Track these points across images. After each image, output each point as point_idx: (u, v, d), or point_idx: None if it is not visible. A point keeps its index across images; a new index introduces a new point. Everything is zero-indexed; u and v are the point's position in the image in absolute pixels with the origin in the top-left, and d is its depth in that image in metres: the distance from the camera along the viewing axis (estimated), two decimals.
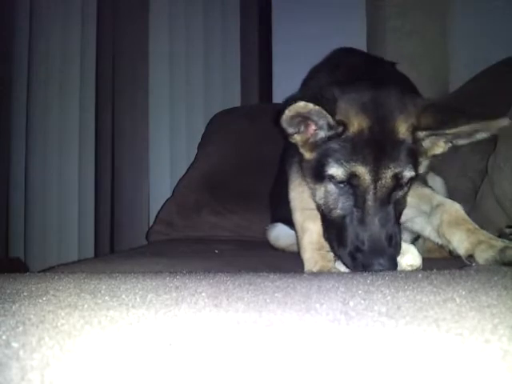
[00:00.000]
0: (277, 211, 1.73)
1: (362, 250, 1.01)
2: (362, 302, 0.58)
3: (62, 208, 2.96)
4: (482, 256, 1.05)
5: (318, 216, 1.19)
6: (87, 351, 0.45)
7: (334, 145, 1.05)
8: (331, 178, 1.06)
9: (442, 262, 1.21)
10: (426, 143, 1.09)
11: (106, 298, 0.61)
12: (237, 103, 2.94)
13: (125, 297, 0.61)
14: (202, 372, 0.42)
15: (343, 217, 1.06)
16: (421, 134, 1.06)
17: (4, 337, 0.48)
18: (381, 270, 0.97)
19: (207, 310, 0.56)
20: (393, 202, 1.05)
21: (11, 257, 2.93)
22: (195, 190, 2.26)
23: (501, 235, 1.14)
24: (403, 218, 1.31)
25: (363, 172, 1.01)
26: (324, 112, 1.02)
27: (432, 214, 1.22)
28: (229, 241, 1.99)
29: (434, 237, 1.23)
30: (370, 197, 1.02)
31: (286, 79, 2.77)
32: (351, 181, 1.03)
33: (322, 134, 1.08)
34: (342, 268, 1.12)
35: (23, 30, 2.99)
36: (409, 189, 1.10)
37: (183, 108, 2.98)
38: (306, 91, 1.14)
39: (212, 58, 2.98)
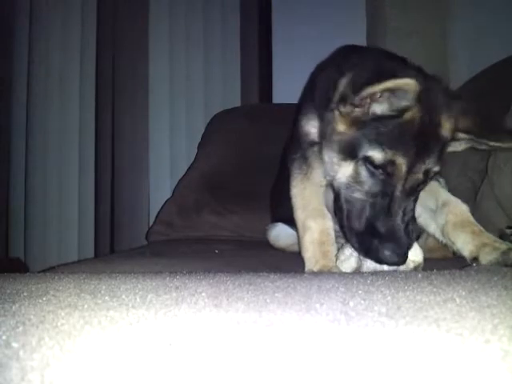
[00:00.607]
0: (277, 211, 1.72)
1: (381, 236, 0.99)
2: (362, 302, 0.58)
3: (61, 208, 2.96)
4: (487, 259, 1.06)
5: (320, 214, 1.19)
6: (87, 351, 0.45)
7: (381, 126, 1.01)
8: (367, 159, 1.02)
9: (443, 262, 1.21)
10: (454, 143, 1.08)
11: (106, 298, 0.61)
12: (237, 103, 2.94)
13: (125, 297, 0.61)
14: (202, 372, 0.42)
15: (365, 200, 1.04)
16: (461, 135, 1.05)
17: (4, 337, 0.48)
18: (391, 261, 0.97)
19: (207, 310, 0.56)
20: (416, 194, 1.05)
21: (11, 257, 2.93)
22: (195, 190, 2.26)
23: (501, 236, 1.14)
24: None
25: (402, 162, 0.99)
26: (415, 95, 0.97)
27: (438, 212, 1.21)
28: (229, 241, 1.99)
29: (438, 235, 1.22)
30: (399, 187, 1.01)
31: (286, 79, 2.78)
32: (387, 168, 1.01)
33: (379, 110, 1.01)
34: (343, 267, 1.12)
35: (23, 30, 2.99)
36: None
37: (183, 108, 2.98)
38: (381, 66, 1.05)
39: (212, 58, 2.98)
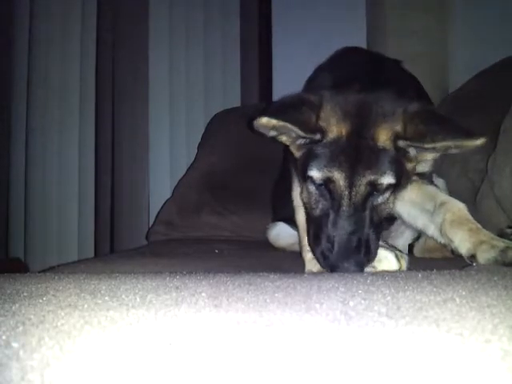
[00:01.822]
0: (279, 210, 1.73)
1: (332, 251, 1.03)
2: (362, 302, 0.58)
3: (61, 208, 2.96)
4: (484, 256, 1.06)
5: None
6: (87, 351, 0.45)
7: (315, 148, 1.06)
8: (311, 179, 1.08)
9: (443, 262, 1.21)
10: (412, 151, 1.08)
11: (106, 298, 0.61)
12: (237, 103, 2.94)
13: (125, 297, 0.61)
14: (202, 372, 0.42)
15: (321, 217, 1.08)
16: (402, 143, 1.04)
17: (4, 337, 0.48)
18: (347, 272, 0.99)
19: (207, 311, 0.56)
20: (369, 208, 1.05)
21: (11, 257, 2.93)
22: (195, 190, 2.26)
23: (501, 235, 1.14)
24: (406, 216, 1.31)
25: (338, 178, 1.03)
26: (290, 126, 1.04)
27: (435, 212, 1.22)
28: (229, 241, 1.99)
29: (436, 235, 1.23)
30: (344, 201, 1.03)
31: (286, 79, 2.77)
32: (328, 185, 1.05)
33: (284, 139, 1.12)
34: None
35: (23, 30, 2.99)
36: (392, 195, 1.09)
37: (183, 108, 2.98)
38: (290, 96, 1.14)
39: (212, 58, 2.98)
